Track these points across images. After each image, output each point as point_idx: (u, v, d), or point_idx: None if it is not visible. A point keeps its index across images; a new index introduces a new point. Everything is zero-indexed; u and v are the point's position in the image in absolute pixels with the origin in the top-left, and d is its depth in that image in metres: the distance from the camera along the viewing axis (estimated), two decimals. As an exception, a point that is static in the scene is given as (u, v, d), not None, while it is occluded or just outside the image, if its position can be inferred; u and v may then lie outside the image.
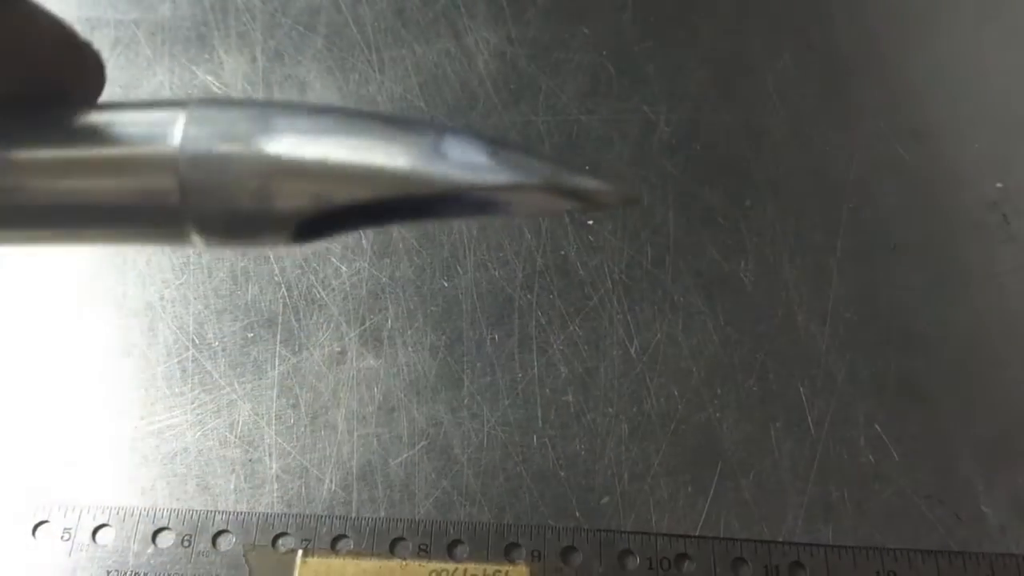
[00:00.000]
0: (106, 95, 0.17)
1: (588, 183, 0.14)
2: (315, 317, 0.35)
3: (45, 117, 0.16)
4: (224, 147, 0.15)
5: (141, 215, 0.15)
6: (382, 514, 0.31)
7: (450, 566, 0.29)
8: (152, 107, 0.15)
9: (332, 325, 0.34)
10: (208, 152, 0.15)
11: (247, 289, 0.35)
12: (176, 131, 0.15)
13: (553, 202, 0.14)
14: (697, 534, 0.30)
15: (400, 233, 0.36)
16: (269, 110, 0.15)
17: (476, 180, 0.14)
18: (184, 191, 0.15)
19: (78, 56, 0.17)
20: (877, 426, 0.32)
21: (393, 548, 0.30)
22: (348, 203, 0.14)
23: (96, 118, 0.16)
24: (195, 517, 0.31)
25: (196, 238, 0.15)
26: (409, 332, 0.34)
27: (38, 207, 0.15)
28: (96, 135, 0.15)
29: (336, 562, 0.29)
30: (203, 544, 0.30)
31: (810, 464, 0.31)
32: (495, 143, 0.15)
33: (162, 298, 0.35)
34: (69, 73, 0.16)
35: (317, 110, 0.15)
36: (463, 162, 0.14)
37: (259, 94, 0.40)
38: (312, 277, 0.36)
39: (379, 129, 0.15)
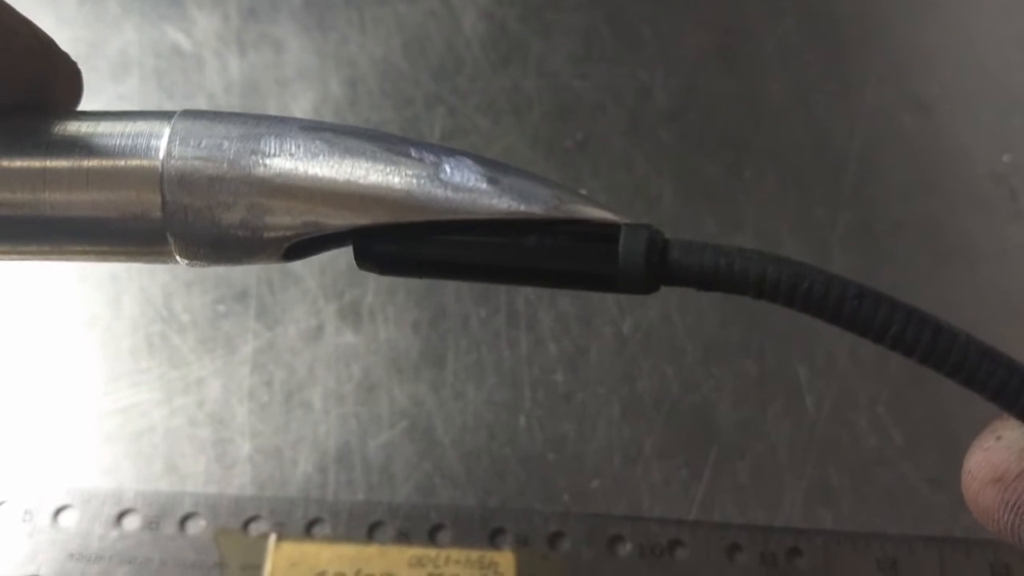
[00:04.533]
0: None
1: (592, 212, 0.14)
2: (290, 290, 0.34)
3: (19, 125, 0.15)
4: (211, 168, 0.14)
5: (121, 231, 0.15)
6: (360, 497, 0.30)
7: (432, 552, 0.29)
8: (135, 118, 0.15)
9: (308, 299, 0.34)
10: (194, 172, 0.14)
11: (218, 260, 0.35)
12: (160, 146, 0.15)
13: None
14: (691, 519, 0.30)
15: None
16: (259, 127, 0.15)
17: (476, 207, 0.14)
18: (167, 211, 0.14)
19: (54, 66, 0.16)
20: (879, 408, 0.32)
21: (371, 533, 0.29)
22: (341, 229, 0.14)
23: (75, 127, 0.15)
24: (162, 499, 0.30)
25: (180, 258, 0.15)
26: (390, 307, 0.34)
27: (8, 220, 0.15)
28: (74, 146, 0.15)
29: (311, 547, 0.29)
30: (170, 527, 0.29)
31: (809, 447, 0.31)
32: (497, 167, 0.15)
33: (128, 268, 0.35)
34: (43, 84, 0.16)
35: (310, 128, 0.15)
36: (462, 188, 0.14)
37: (232, 54, 0.39)
38: (287, 247, 0.35)
39: (375, 151, 0.15)
